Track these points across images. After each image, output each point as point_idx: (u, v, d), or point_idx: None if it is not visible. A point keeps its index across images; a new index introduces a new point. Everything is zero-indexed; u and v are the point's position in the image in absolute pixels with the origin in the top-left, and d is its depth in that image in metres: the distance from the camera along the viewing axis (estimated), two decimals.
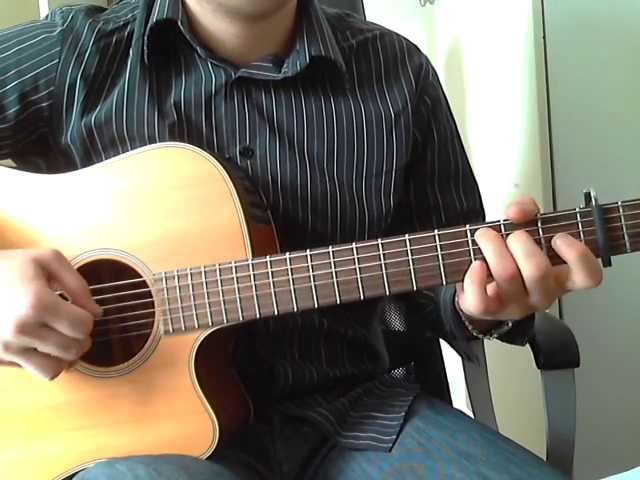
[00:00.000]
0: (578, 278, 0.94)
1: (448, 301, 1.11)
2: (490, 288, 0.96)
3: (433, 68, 1.31)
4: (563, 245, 0.94)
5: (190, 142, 1.09)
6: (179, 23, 1.15)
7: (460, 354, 1.23)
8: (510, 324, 1.07)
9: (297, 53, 1.18)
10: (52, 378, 1.01)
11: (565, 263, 0.95)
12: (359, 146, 1.21)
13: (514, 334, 1.10)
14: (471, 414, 1.43)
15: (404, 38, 1.31)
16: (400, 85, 1.25)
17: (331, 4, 1.35)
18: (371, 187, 1.22)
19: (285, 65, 1.18)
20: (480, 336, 1.10)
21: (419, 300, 1.28)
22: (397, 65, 1.26)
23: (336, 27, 1.26)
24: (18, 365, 1.01)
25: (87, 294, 1.03)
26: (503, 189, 2.00)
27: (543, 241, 0.96)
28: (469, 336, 1.13)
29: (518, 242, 0.94)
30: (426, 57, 1.31)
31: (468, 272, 0.96)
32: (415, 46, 1.31)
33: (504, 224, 0.97)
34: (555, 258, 0.96)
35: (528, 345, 1.30)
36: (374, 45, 1.27)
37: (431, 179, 1.28)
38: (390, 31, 1.30)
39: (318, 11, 1.23)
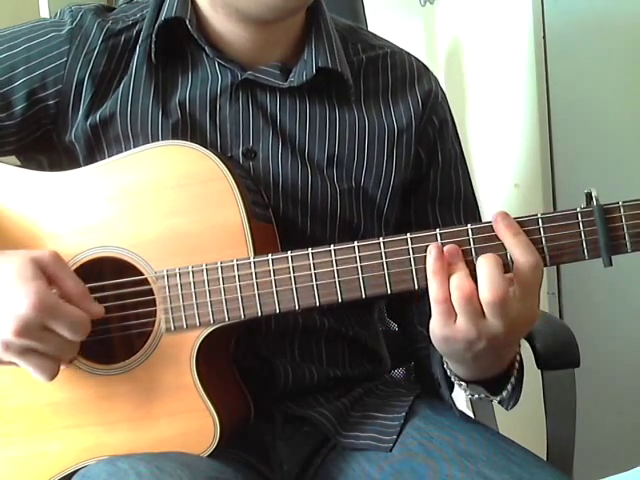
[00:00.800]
0: (518, 258, 0.96)
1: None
2: None
3: (442, 90, 1.31)
4: (502, 224, 0.98)
5: (193, 141, 1.09)
6: (187, 22, 1.15)
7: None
8: (497, 398, 1.08)
9: (304, 63, 1.19)
10: (50, 379, 1.01)
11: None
12: (359, 156, 1.22)
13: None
14: (471, 414, 1.43)
15: (415, 58, 1.31)
16: (407, 104, 1.25)
17: (331, 5, 1.34)
18: (367, 198, 1.22)
19: (292, 74, 1.19)
20: (468, 392, 1.11)
21: (415, 336, 1.28)
22: (405, 85, 1.26)
23: (347, 39, 1.26)
24: (17, 365, 1.00)
25: (87, 296, 1.03)
26: (503, 189, 2.00)
27: (544, 241, 0.97)
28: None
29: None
30: (435, 78, 1.31)
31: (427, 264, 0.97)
32: (425, 66, 1.31)
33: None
34: (555, 259, 0.97)
35: (528, 345, 1.30)
36: (384, 62, 1.27)
37: (432, 200, 1.29)
38: (401, 50, 1.31)
39: (328, 22, 1.24)
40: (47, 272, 1.00)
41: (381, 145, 1.22)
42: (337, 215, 1.19)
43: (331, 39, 1.21)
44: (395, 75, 1.26)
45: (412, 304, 1.27)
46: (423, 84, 1.28)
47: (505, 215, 0.97)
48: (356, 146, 1.21)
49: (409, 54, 1.31)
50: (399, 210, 1.26)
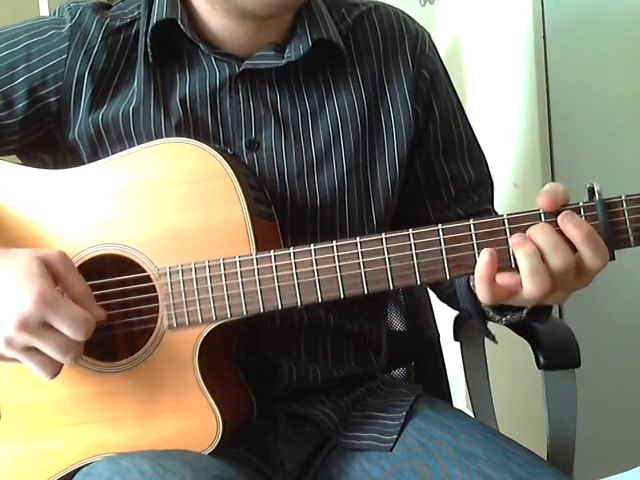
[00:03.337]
0: (587, 259, 0.94)
1: (464, 282, 1.10)
2: (501, 278, 0.96)
3: (431, 40, 1.30)
4: (570, 225, 0.94)
5: (196, 137, 1.10)
6: (179, 22, 1.16)
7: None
8: (524, 315, 1.05)
9: (299, 38, 1.19)
10: (52, 377, 1.01)
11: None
12: (362, 130, 1.22)
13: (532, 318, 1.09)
14: (471, 414, 1.43)
15: (400, 10, 1.30)
16: (397, 63, 1.24)
17: None
18: (376, 170, 1.22)
19: (287, 51, 1.19)
20: (497, 318, 1.08)
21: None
22: (395, 40, 1.26)
23: (331, 7, 1.26)
24: (19, 362, 1.01)
25: (90, 298, 1.03)
26: (503, 189, 1.99)
27: None
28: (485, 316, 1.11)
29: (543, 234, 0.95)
30: (423, 29, 1.30)
31: (476, 269, 0.96)
32: (410, 18, 1.30)
33: (507, 218, 0.97)
34: None
35: (528, 345, 1.30)
36: (370, 18, 1.26)
37: (436, 153, 1.28)
38: (384, 3, 1.30)
39: None
40: (53, 270, 1.00)
41: (379, 113, 1.22)
42: (345, 197, 1.20)
43: (321, 11, 1.22)
44: (383, 29, 1.26)
45: None
46: (412, 36, 1.27)
47: (571, 215, 0.95)
48: (358, 122, 1.21)
49: (392, 7, 1.30)
50: (407, 174, 1.26)
